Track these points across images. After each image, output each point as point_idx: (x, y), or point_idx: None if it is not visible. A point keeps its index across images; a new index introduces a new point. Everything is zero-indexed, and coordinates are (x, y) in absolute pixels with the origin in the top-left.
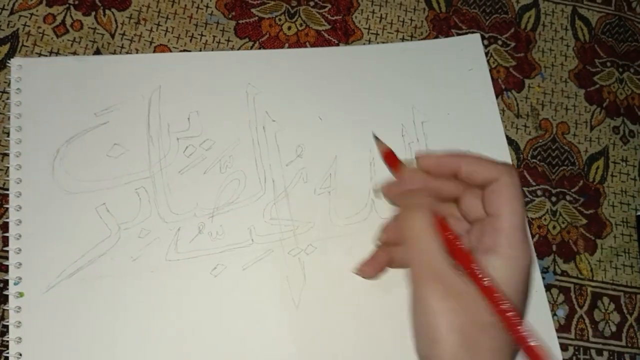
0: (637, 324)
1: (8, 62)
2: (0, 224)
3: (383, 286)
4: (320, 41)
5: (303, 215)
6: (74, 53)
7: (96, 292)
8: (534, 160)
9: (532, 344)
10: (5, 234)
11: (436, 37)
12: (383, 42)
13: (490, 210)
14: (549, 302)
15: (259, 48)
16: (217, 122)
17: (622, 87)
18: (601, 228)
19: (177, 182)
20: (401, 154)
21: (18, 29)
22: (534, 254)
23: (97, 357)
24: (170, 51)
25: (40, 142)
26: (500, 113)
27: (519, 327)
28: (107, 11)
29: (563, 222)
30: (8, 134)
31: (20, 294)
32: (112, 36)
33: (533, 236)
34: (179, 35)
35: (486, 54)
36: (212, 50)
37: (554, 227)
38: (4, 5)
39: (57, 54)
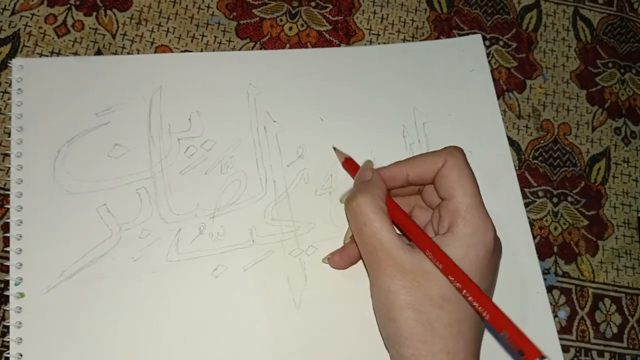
0: (638, 326)
1: (9, 63)
2: (1, 225)
3: None
4: (322, 42)
5: (304, 216)
6: (75, 53)
7: (97, 292)
8: (536, 161)
9: (486, 317)
10: (6, 235)
11: (437, 37)
12: (384, 43)
13: (442, 194)
14: (550, 303)
15: (260, 48)
16: (218, 123)
17: (623, 88)
18: (603, 229)
19: (178, 182)
20: (402, 155)
21: (19, 29)
22: (494, 229)
23: (98, 357)
24: (172, 52)
25: (42, 142)
26: (502, 114)
27: (471, 298)
28: (109, 11)
29: (564, 224)
30: (9, 134)
31: (21, 295)
32: (113, 36)
33: (534, 237)
34: (180, 35)
35: (487, 54)
36: (213, 50)
37: (556, 229)
38: (5, 6)
39: (59, 54)
